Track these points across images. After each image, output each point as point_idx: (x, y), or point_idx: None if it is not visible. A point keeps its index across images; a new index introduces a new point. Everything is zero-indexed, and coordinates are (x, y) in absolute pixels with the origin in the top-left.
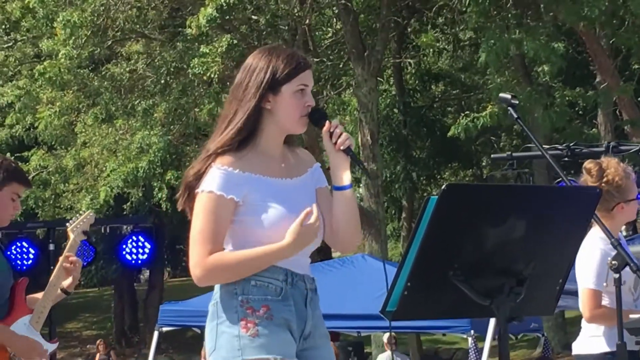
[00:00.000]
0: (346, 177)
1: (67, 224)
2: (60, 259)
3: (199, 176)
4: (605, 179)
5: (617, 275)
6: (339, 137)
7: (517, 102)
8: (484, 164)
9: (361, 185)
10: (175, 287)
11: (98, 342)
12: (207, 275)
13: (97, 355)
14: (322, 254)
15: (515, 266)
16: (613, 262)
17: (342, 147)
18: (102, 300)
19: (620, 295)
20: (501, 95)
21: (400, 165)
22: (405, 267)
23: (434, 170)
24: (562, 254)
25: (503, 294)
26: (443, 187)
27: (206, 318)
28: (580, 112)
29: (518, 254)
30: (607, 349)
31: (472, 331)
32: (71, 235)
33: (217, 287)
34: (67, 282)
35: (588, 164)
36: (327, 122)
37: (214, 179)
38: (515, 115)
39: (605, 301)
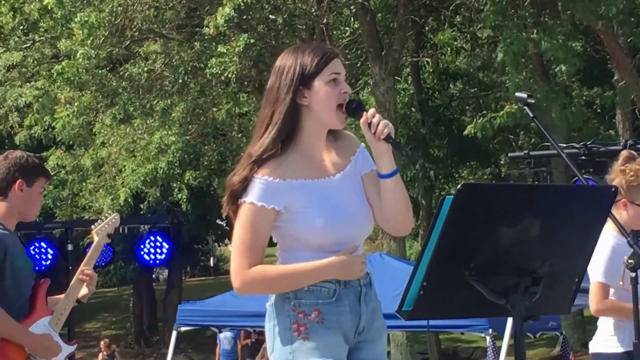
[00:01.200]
0: (389, 165)
1: (92, 226)
2: (80, 268)
3: (246, 184)
4: (622, 168)
5: (633, 274)
6: (377, 126)
7: (533, 101)
8: (502, 162)
9: None
10: (194, 286)
11: (102, 342)
12: (245, 287)
13: (100, 355)
14: None
15: (531, 265)
16: (629, 260)
17: (382, 137)
18: (121, 300)
19: (637, 293)
20: (517, 94)
21: (418, 164)
22: (422, 267)
23: (452, 169)
24: (578, 252)
25: (519, 293)
26: (459, 186)
27: (225, 318)
28: (598, 110)
29: (534, 253)
30: (625, 349)
31: (490, 330)
32: (96, 238)
33: None
34: (81, 293)
35: (626, 151)
36: (364, 112)
37: (255, 189)
38: (532, 115)
39: (616, 297)
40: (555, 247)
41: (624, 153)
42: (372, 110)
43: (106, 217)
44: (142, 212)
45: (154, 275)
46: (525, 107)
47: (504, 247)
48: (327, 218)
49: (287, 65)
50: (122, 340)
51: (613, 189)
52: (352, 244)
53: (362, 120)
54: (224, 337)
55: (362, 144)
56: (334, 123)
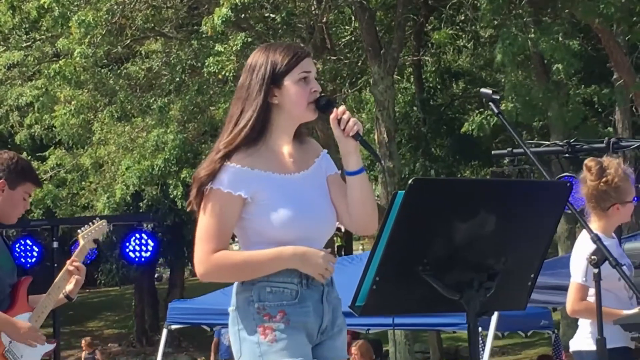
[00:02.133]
0: (356, 162)
1: (79, 230)
2: (67, 262)
3: (213, 175)
4: (604, 179)
5: (596, 270)
6: (347, 123)
7: (498, 97)
8: (505, 161)
9: (379, 183)
10: (196, 285)
11: (83, 340)
12: (209, 272)
13: (83, 354)
14: (345, 251)
15: (486, 261)
16: (592, 257)
17: (351, 133)
18: (123, 299)
19: (599, 289)
20: (482, 90)
21: (418, 163)
22: (374, 262)
23: (453, 169)
24: (534, 248)
25: (473, 289)
26: (410, 181)
27: (215, 316)
28: (598, 109)
29: (489, 249)
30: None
31: (479, 329)
32: (81, 242)
33: (233, 293)
34: (69, 287)
35: (589, 161)
36: (335, 109)
37: (222, 176)
38: (497, 111)
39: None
40: (510, 243)
41: (592, 165)
42: (342, 107)
43: (94, 223)
44: (142, 211)
45: (156, 275)
46: (490, 103)
47: (459, 243)
48: (293, 212)
49: (259, 63)
50: (124, 339)
51: (568, 184)
52: (316, 241)
53: (332, 117)
54: (224, 333)
55: (325, 150)
56: (305, 117)
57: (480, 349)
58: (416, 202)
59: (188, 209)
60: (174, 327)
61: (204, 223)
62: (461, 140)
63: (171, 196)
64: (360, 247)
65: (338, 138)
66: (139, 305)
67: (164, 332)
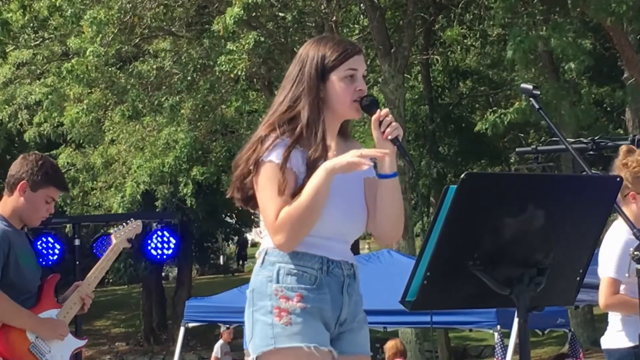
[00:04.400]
0: (390, 166)
1: (112, 231)
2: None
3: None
4: (624, 161)
5: (639, 266)
6: (388, 125)
7: (538, 92)
8: (512, 160)
9: None
10: (204, 284)
11: None
12: (281, 236)
13: None
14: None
15: (535, 256)
16: (635, 252)
17: (390, 137)
18: (130, 298)
19: None
20: (522, 85)
21: (424, 161)
22: (425, 257)
23: (461, 167)
24: (583, 243)
25: (523, 284)
26: (462, 175)
27: (233, 314)
28: (608, 108)
29: (538, 244)
30: (633, 343)
31: (498, 326)
32: (114, 241)
33: (253, 274)
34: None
35: (624, 146)
36: (378, 110)
37: (274, 148)
38: (537, 106)
39: (626, 292)
40: (559, 238)
41: (623, 148)
42: (385, 110)
43: (127, 224)
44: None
45: (163, 273)
46: (531, 99)
47: (508, 238)
48: (328, 205)
49: (309, 56)
50: (132, 338)
51: (618, 179)
52: (344, 237)
53: (374, 117)
54: None
55: None
56: (349, 114)
57: (500, 350)
58: (468, 197)
59: (228, 196)
60: (191, 325)
61: (264, 197)
62: (469, 138)
63: (181, 194)
64: (367, 246)
65: (376, 139)
66: (147, 304)
67: (181, 330)
